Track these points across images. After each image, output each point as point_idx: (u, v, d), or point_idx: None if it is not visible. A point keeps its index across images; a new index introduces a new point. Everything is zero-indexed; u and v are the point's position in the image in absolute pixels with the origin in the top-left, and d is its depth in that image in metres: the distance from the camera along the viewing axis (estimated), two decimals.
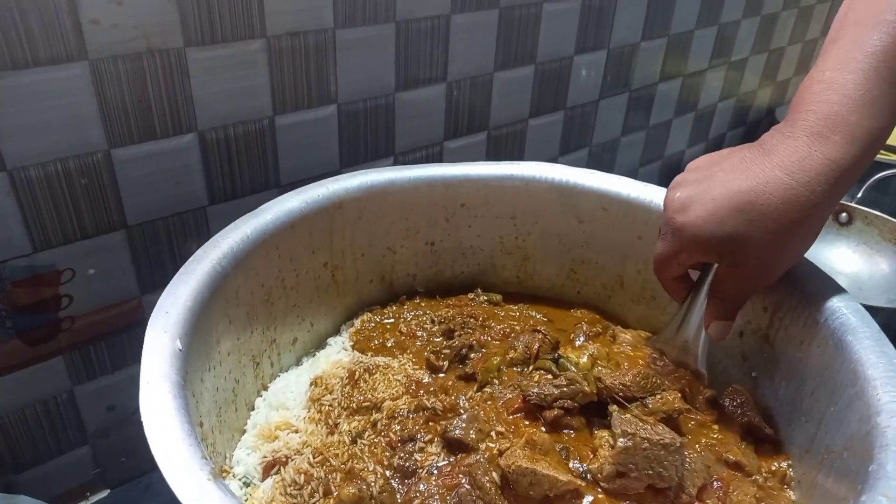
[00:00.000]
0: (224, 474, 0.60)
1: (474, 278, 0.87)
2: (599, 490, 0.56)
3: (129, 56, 0.66)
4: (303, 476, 0.56)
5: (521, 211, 0.83)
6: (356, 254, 0.79)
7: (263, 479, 0.60)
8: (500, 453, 0.57)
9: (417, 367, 0.70)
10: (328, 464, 0.57)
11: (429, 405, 0.62)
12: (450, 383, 0.67)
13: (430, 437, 0.60)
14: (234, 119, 0.77)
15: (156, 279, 0.77)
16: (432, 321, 0.77)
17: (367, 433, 0.61)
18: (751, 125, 1.77)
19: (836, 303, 0.60)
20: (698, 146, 1.62)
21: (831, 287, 0.62)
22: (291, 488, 0.56)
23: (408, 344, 0.74)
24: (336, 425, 0.62)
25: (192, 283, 0.58)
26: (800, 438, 0.61)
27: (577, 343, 0.73)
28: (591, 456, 0.59)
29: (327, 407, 0.64)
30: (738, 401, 0.66)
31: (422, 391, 0.65)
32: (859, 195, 1.27)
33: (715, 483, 0.58)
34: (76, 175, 0.67)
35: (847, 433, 0.53)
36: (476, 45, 0.97)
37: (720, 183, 0.57)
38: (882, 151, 1.38)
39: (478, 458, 0.56)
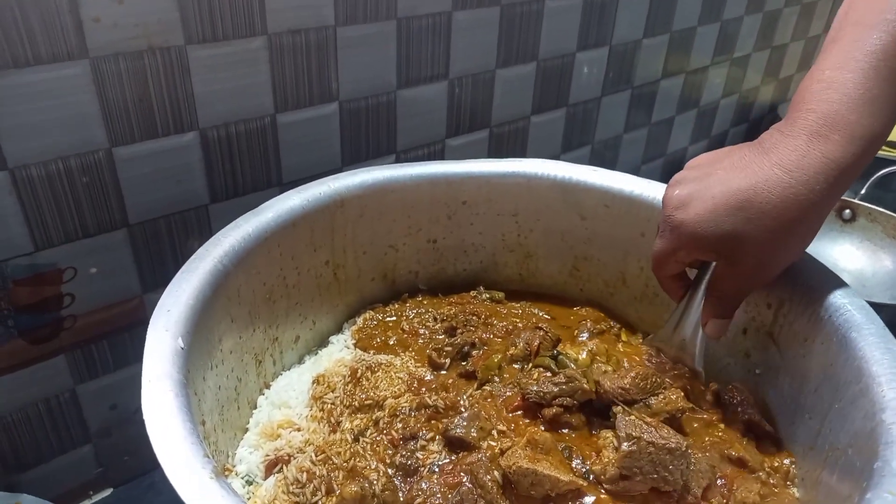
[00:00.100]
0: (226, 473, 0.60)
1: (476, 276, 0.87)
2: (602, 491, 0.56)
3: (130, 54, 0.66)
4: (305, 474, 0.56)
5: (523, 208, 0.82)
6: (358, 252, 0.78)
7: (266, 477, 0.60)
8: (502, 452, 0.57)
9: (419, 364, 0.70)
10: (330, 462, 0.57)
11: (430, 403, 0.62)
12: (450, 381, 0.67)
13: (431, 435, 0.60)
14: (236, 117, 0.77)
15: (157, 278, 0.77)
16: (434, 319, 0.77)
17: (369, 431, 0.61)
18: (753, 122, 1.77)
19: (840, 299, 0.60)
20: (701, 143, 1.62)
21: (835, 283, 0.62)
22: (294, 487, 0.56)
23: (410, 342, 0.74)
24: (338, 423, 0.62)
25: (194, 282, 0.58)
26: (804, 436, 0.61)
27: (581, 339, 0.73)
28: (595, 456, 0.58)
29: (329, 405, 0.64)
30: (738, 398, 0.66)
31: (424, 389, 0.65)
32: (863, 192, 1.27)
33: (719, 481, 0.58)
34: (77, 174, 0.67)
35: (851, 430, 0.53)
36: (478, 42, 0.97)
37: (719, 181, 0.57)
38: (885, 148, 1.38)
39: (479, 456, 0.56)
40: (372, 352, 0.73)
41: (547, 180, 0.80)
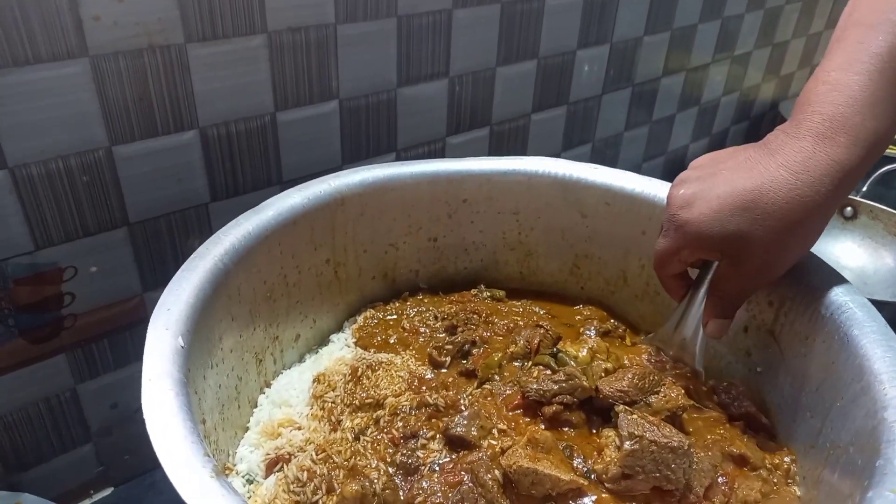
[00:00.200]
0: (227, 472, 0.60)
1: (477, 274, 0.87)
2: (603, 490, 0.56)
3: (130, 52, 0.66)
4: (306, 473, 0.56)
5: (523, 206, 0.82)
6: (358, 250, 0.78)
7: (266, 476, 0.60)
8: (503, 451, 0.57)
9: (420, 363, 0.70)
10: (331, 461, 0.57)
11: (431, 401, 0.62)
12: (451, 380, 0.67)
13: (432, 433, 0.59)
14: (236, 115, 0.76)
15: (158, 276, 0.77)
16: (435, 317, 0.77)
17: (369, 430, 0.61)
18: (754, 120, 1.76)
19: (842, 297, 0.60)
20: (702, 141, 1.61)
21: (837, 281, 0.62)
22: (294, 485, 0.56)
23: (410, 340, 0.74)
24: (339, 422, 0.62)
25: (194, 280, 0.58)
26: (805, 434, 0.61)
27: (587, 335, 0.73)
28: (597, 455, 0.58)
29: (330, 404, 0.64)
30: (734, 393, 0.67)
31: (424, 387, 0.65)
32: (864, 189, 1.27)
33: (720, 479, 0.58)
34: (78, 172, 0.67)
35: (853, 428, 0.53)
36: (478, 40, 0.97)
37: (724, 181, 0.57)
38: None
39: (480, 455, 0.56)
40: (372, 350, 0.73)
41: (548, 178, 0.80)
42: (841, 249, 1.22)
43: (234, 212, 0.67)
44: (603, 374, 0.64)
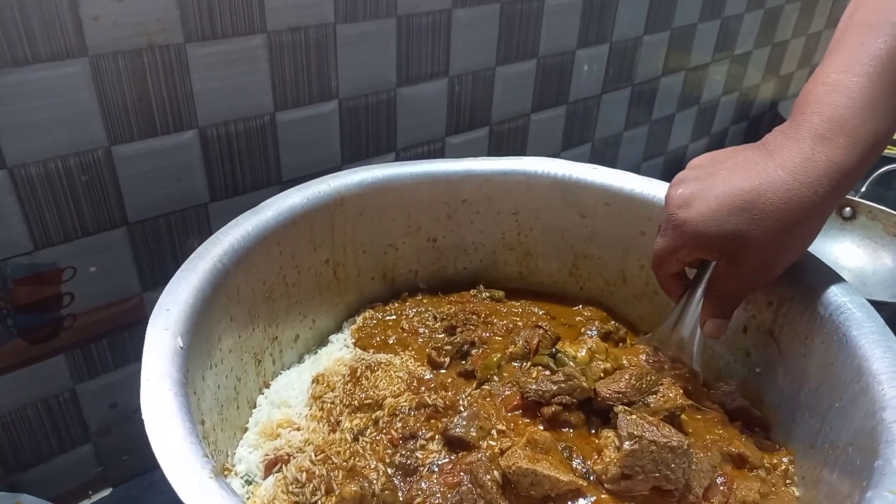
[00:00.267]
0: (226, 472, 0.60)
1: (476, 274, 0.87)
2: (603, 491, 0.56)
3: (130, 52, 0.66)
4: (305, 474, 0.56)
5: (523, 206, 0.82)
6: (358, 250, 0.78)
7: (265, 477, 0.60)
8: (502, 452, 0.57)
9: (419, 363, 0.70)
10: (330, 461, 0.57)
11: (430, 402, 0.62)
12: (450, 380, 0.67)
13: (431, 434, 0.59)
14: (235, 115, 0.76)
15: (157, 276, 0.77)
16: (434, 318, 0.77)
17: (368, 430, 0.61)
18: (754, 119, 1.76)
19: (840, 297, 0.60)
20: (701, 141, 1.62)
21: (836, 281, 0.62)
22: (293, 486, 0.56)
23: (410, 341, 0.74)
24: (338, 423, 0.62)
25: (194, 281, 0.58)
26: (804, 434, 0.61)
27: (588, 335, 0.74)
28: (596, 456, 0.58)
29: (329, 404, 0.64)
30: (726, 389, 0.68)
31: (423, 388, 0.65)
32: (863, 190, 1.27)
33: (719, 479, 0.58)
34: (77, 172, 0.67)
35: (852, 429, 0.53)
36: (477, 39, 0.97)
37: (723, 181, 0.57)
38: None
39: (479, 456, 0.56)
40: (371, 351, 0.73)
41: (547, 178, 0.80)
42: (840, 250, 1.22)
43: (234, 212, 0.67)
44: (602, 375, 0.64)
